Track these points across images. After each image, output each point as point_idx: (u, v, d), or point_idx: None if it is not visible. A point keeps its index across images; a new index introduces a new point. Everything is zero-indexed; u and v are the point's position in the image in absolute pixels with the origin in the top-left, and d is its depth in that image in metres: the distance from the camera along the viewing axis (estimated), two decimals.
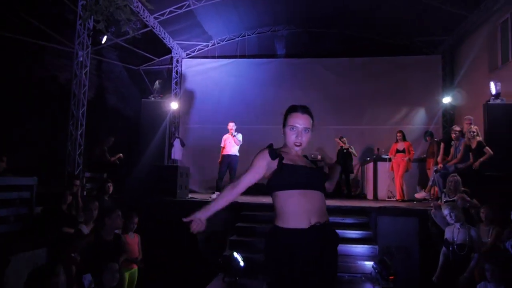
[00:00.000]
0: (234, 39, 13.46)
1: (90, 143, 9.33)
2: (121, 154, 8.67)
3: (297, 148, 2.55)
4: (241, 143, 9.16)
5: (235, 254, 5.36)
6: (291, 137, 2.54)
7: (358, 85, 12.52)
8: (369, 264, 5.73)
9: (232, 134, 9.09)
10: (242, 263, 5.31)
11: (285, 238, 2.37)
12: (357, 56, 12.71)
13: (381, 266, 5.28)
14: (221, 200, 2.57)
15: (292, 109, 2.62)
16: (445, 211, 5.26)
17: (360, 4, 11.29)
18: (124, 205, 5.35)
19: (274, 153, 2.49)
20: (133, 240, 5.17)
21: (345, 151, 10.88)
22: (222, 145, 9.31)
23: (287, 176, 2.43)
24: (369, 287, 5.30)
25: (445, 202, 6.30)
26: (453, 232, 5.18)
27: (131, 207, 5.48)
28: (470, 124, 7.68)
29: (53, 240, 5.12)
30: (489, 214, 5.55)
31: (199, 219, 2.44)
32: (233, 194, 2.54)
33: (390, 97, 12.35)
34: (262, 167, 2.49)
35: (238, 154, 9.23)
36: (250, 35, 13.41)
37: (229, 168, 9.18)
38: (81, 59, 7.48)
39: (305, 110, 2.61)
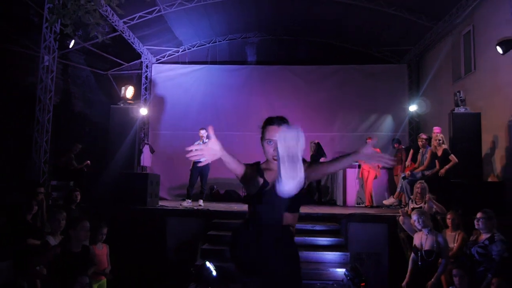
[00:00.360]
0: (205, 45, 13.40)
1: (56, 150, 9.05)
2: (88, 162, 8.44)
3: (275, 162, 2.49)
4: None
5: (208, 264, 5.29)
6: (270, 151, 2.51)
7: (328, 93, 12.70)
8: (340, 271, 5.78)
9: (203, 141, 9.00)
10: (214, 273, 5.25)
11: (253, 225, 2.46)
12: (327, 64, 12.89)
13: (353, 273, 5.33)
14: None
15: (269, 122, 2.57)
16: (414, 217, 5.38)
17: (330, 14, 11.48)
18: (92, 215, 5.19)
19: (260, 171, 2.49)
20: (102, 251, 5.03)
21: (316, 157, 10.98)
22: None
23: (262, 199, 2.44)
24: None
25: (412, 208, 6.45)
26: (421, 239, 5.30)
27: (100, 216, 5.32)
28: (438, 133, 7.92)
29: (17, 252, 4.90)
30: (455, 220, 5.71)
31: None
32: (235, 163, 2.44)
33: (359, 105, 12.57)
34: (245, 169, 2.45)
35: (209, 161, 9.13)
36: (221, 41, 13.39)
37: (201, 175, 9.09)
38: (47, 63, 7.24)
39: (281, 121, 2.55)
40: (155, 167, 12.01)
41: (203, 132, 9.09)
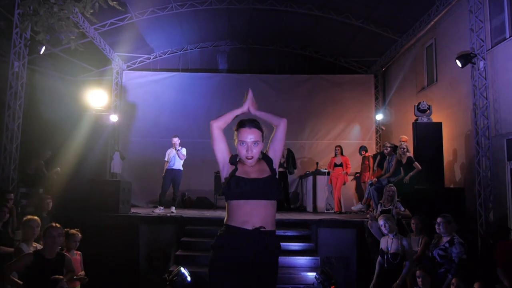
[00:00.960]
0: (176, 52, 13.47)
1: (23, 157, 8.89)
2: (58, 169, 8.34)
3: (249, 162, 2.64)
4: (185, 157, 9.15)
5: (182, 269, 5.37)
6: (242, 152, 2.64)
7: (298, 101, 12.99)
8: (311, 275, 5.96)
9: (176, 149, 9.05)
10: (189, 278, 5.33)
11: (231, 231, 2.52)
12: (297, 73, 13.20)
13: (323, 276, 5.53)
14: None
15: (240, 125, 2.70)
16: (380, 222, 5.63)
17: (300, 25, 11.81)
18: (64, 222, 5.16)
19: (235, 160, 2.65)
20: (75, 258, 5.01)
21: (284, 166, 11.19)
22: (166, 159, 9.24)
23: (234, 187, 2.54)
24: None
25: (381, 211, 6.75)
26: (387, 242, 5.56)
27: (72, 224, 5.31)
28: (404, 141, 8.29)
29: None
30: (418, 225, 6.00)
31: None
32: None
33: (328, 113, 12.93)
34: (221, 154, 2.69)
35: (182, 168, 9.21)
36: (192, 49, 13.49)
37: (173, 182, 9.12)
38: (17, 69, 7.16)
39: (252, 124, 2.69)
40: (126, 174, 11.94)
41: (175, 140, 9.14)
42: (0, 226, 5.36)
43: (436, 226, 5.31)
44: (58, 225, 4.34)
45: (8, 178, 7.08)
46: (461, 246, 4.99)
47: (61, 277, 3.80)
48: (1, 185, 6.88)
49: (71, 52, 11.98)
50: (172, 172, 9.03)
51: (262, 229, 2.50)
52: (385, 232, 5.58)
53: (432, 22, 9.73)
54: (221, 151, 2.69)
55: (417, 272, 4.71)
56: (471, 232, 7.30)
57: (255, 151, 2.63)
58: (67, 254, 4.67)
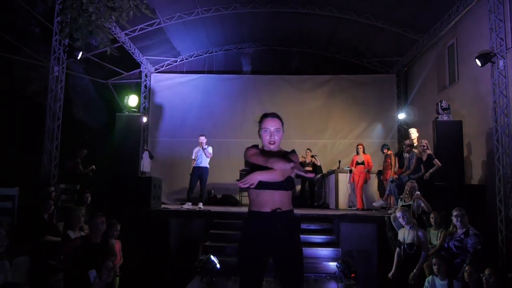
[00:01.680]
0: (202, 55, 13.93)
1: (61, 155, 9.49)
2: (93, 166, 8.87)
3: (272, 147, 3.02)
4: (211, 155, 9.57)
5: (212, 257, 5.77)
6: (266, 138, 3.02)
7: (320, 101, 13.28)
8: (333, 264, 6.29)
9: (203, 147, 9.47)
10: (218, 265, 5.73)
11: (253, 216, 2.94)
12: (319, 74, 13.48)
13: (344, 265, 5.84)
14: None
15: (264, 116, 3.10)
16: (398, 214, 5.90)
17: (322, 26, 12.07)
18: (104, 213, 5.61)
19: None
20: (116, 246, 5.48)
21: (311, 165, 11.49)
22: (193, 157, 9.68)
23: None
24: (333, 285, 5.86)
25: (401, 206, 7.00)
26: (404, 234, 5.83)
27: (112, 214, 5.77)
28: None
29: (35, 248, 5.32)
30: (437, 219, 6.23)
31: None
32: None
33: (350, 113, 13.16)
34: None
35: (208, 166, 9.62)
36: (217, 51, 13.93)
37: (200, 180, 9.53)
38: (56, 74, 7.71)
39: (274, 114, 3.09)
40: (154, 172, 12.44)
41: (202, 139, 9.56)
42: (46, 217, 5.84)
43: (454, 218, 5.55)
44: (101, 214, 4.81)
45: (50, 175, 7.63)
46: (476, 237, 5.22)
47: (110, 259, 4.25)
48: (43, 181, 7.42)
49: (102, 56, 12.70)
50: (199, 170, 9.45)
51: (278, 210, 2.89)
52: (403, 223, 5.84)
53: (453, 22, 9.85)
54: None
55: (434, 260, 4.97)
56: (492, 227, 7.46)
57: (277, 138, 3.02)
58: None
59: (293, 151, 3.15)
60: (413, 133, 9.43)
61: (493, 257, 6.61)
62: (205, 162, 9.50)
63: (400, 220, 5.80)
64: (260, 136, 3.09)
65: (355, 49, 13.33)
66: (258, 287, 2.92)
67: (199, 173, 9.45)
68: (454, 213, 5.55)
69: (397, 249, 5.91)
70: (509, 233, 7.18)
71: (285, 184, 2.94)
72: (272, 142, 3.00)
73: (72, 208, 5.04)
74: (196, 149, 9.66)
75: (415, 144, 8.95)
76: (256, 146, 3.09)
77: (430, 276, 4.99)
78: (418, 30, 10.99)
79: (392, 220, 6.89)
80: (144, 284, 6.43)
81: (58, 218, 6.50)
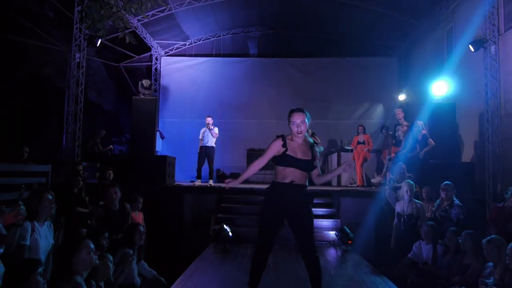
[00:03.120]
0: (210, 39, 14.44)
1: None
2: (111, 146, 9.54)
3: (299, 135, 3.76)
4: (217, 135, 10.16)
5: (225, 226, 6.48)
6: (294, 128, 3.76)
7: (324, 83, 13.82)
8: (332, 233, 6.99)
9: (209, 128, 10.06)
10: (230, 234, 6.43)
11: (276, 185, 3.77)
12: (323, 57, 13.98)
13: (342, 233, 6.53)
14: (251, 170, 3.91)
15: (291, 111, 3.86)
16: (405, 187, 6.40)
17: (325, 10, 12.52)
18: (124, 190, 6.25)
19: (285, 143, 3.77)
20: (138, 217, 6.17)
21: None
22: (200, 137, 10.28)
23: (284, 160, 3.74)
24: (332, 251, 6.57)
25: (393, 187, 7.61)
26: (403, 206, 6.39)
27: (135, 189, 6.46)
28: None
29: (69, 218, 6.03)
30: (429, 194, 6.85)
31: (233, 182, 3.83)
32: (259, 165, 3.85)
33: (352, 94, 13.70)
34: (275, 149, 3.79)
35: (215, 145, 10.23)
36: (224, 35, 14.43)
37: (208, 158, 10.15)
38: (78, 60, 8.31)
39: (299, 109, 3.83)
40: (165, 152, 13.12)
41: (209, 120, 10.17)
42: (76, 191, 6.54)
43: (441, 192, 6.18)
44: (114, 184, 5.52)
45: (73, 154, 8.31)
46: (459, 208, 5.88)
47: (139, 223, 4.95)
48: (68, 160, 8.11)
49: (113, 39, 13.23)
50: (207, 149, 10.06)
51: (294, 182, 3.68)
52: (406, 197, 6.35)
53: (451, 7, 10.30)
54: (274, 154, 3.82)
55: (423, 226, 5.61)
56: (480, 202, 8.10)
57: (303, 128, 3.77)
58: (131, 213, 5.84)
59: (314, 148, 3.89)
60: (399, 113, 9.96)
61: (480, 228, 7.25)
62: (211, 142, 10.09)
63: (404, 193, 6.32)
64: (290, 128, 3.81)
65: (358, 33, 13.77)
66: (272, 241, 3.75)
67: (206, 152, 10.05)
68: (442, 186, 6.19)
69: (395, 220, 6.46)
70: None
71: (307, 167, 3.78)
72: (299, 132, 3.74)
73: (108, 184, 5.70)
74: (203, 130, 10.25)
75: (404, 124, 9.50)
76: (282, 137, 3.82)
77: (418, 241, 5.64)
78: (418, 15, 11.42)
79: (387, 195, 7.51)
80: (164, 252, 7.13)
81: (86, 192, 7.20)
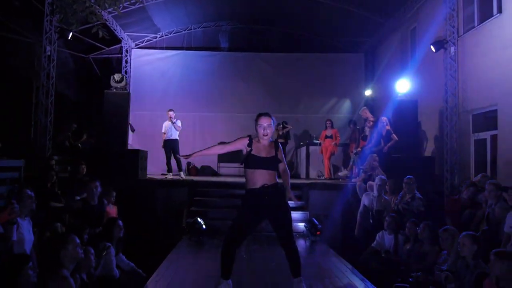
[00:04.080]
0: (181, 32, 14.46)
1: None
2: (85, 136, 9.49)
3: (265, 137, 3.98)
4: (181, 128, 10.23)
5: (199, 219, 6.68)
6: (261, 131, 3.98)
7: (294, 78, 14.13)
8: (301, 225, 7.31)
9: (172, 121, 10.15)
10: (204, 226, 6.65)
11: (247, 193, 3.98)
12: (293, 52, 14.28)
13: (310, 224, 6.86)
14: (208, 151, 4.21)
15: (258, 115, 4.06)
16: (377, 181, 6.76)
17: (296, 7, 12.78)
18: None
19: (250, 143, 3.98)
20: (112, 210, 6.27)
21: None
22: (163, 131, 10.34)
23: (250, 161, 3.95)
24: (302, 241, 6.89)
25: (364, 177, 8.03)
26: (371, 200, 6.73)
27: (107, 183, 6.55)
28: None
29: (43, 213, 6.07)
30: (392, 186, 7.26)
31: (189, 156, 3.97)
32: (218, 151, 4.30)
33: (322, 89, 14.08)
34: (239, 145, 4.03)
35: (178, 138, 10.28)
36: (196, 29, 14.49)
37: (173, 151, 10.18)
38: (49, 53, 8.24)
39: (266, 113, 4.06)
40: (136, 145, 13.11)
41: (171, 113, 10.25)
42: (49, 186, 6.58)
43: (404, 185, 6.59)
44: (96, 179, 5.62)
45: (45, 148, 8.28)
46: (420, 200, 6.31)
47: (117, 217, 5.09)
48: (40, 154, 8.07)
49: (82, 30, 13.05)
50: (171, 143, 10.12)
51: (265, 185, 3.89)
52: (375, 190, 6.70)
53: (415, 8, 10.76)
54: (238, 148, 4.06)
55: (386, 217, 6.00)
56: (440, 194, 8.61)
57: (269, 131, 4.00)
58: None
59: (277, 145, 4.11)
60: (365, 113, 10.43)
61: (439, 219, 7.73)
62: (175, 135, 10.15)
63: (374, 186, 6.69)
64: (256, 130, 4.02)
65: (327, 30, 14.12)
66: (243, 239, 4.05)
67: (170, 145, 10.13)
68: (405, 180, 6.60)
69: (360, 209, 6.83)
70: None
71: (272, 165, 3.99)
72: (265, 134, 3.97)
73: (91, 179, 5.77)
74: (165, 123, 10.32)
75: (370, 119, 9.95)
76: (249, 137, 4.05)
77: (381, 231, 6.02)
78: (385, 14, 11.85)
79: (357, 188, 7.91)
80: (138, 245, 7.25)
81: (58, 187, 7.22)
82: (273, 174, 3.99)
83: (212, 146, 4.29)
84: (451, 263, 4.27)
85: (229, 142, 4.17)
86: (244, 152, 4.01)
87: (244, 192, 4.05)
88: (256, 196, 3.88)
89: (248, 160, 3.93)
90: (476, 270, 3.82)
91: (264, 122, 3.98)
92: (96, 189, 5.51)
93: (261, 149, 3.98)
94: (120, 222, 4.77)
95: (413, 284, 4.51)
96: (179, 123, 10.14)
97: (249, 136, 4.06)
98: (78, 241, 3.22)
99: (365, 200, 6.99)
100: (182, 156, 4.05)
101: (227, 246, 3.92)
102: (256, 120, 4.04)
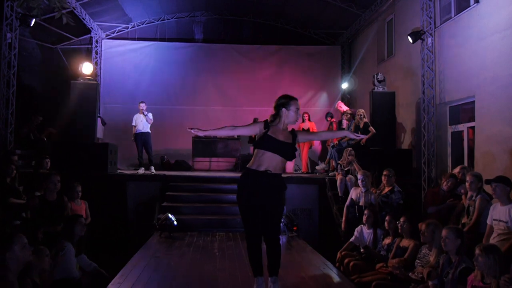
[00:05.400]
0: (154, 22, 13.98)
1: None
2: (51, 129, 9.01)
3: (294, 123, 3.91)
4: (152, 121, 9.85)
5: (170, 215, 6.36)
6: (294, 116, 3.87)
7: (270, 70, 13.86)
8: None
9: (144, 114, 9.77)
10: (175, 222, 6.34)
11: (249, 172, 3.72)
12: (269, 44, 14.00)
13: (287, 220, 6.63)
14: (218, 131, 4.03)
15: (291, 98, 3.94)
16: (360, 176, 6.56)
17: None
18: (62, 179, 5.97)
19: (267, 125, 3.77)
20: (80, 207, 5.89)
21: None
22: (133, 124, 9.93)
23: (265, 141, 3.70)
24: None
25: (345, 170, 7.85)
26: (358, 195, 6.53)
27: (71, 177, 6.16)
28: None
29: (2, 209, 5.66)
30: (370, 179, 7.09)
31: (199, 131, 3.76)
32: (228, 132, 4.03)
33: (298, 82, 13.84)
34: (256, 129, 3.83)
35: (150, 131, 9.91)
36: (169, 19, 14.03)
37: (144, 145, 9.82)
38: (9, 40, 7.74)
39: (296, 98, 3.96)
40: (107, 139, 12.61)
41: (142, 105, 9.87)
42: (8, 181, 6.14)
43: (383, 178, 6.42)
44: (56, 173, 5.24)
45: (6, 141, 7.78)
46: (399, 193, 6.15)
47: (81, 214, 4.73)
48: (1, 147, 7.59)
49: (49, 20, 12.45)
50: (142, 136, 9.73)
51: (268, 172, 3.64)
52: (361, 185, 6.49)
53: (391, 0, 10.61)
54: (253, 132, 3.91)
55: (365, 212, 5.82)
56: (417, 187, 8.53)
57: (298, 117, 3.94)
58: (70, 203, 5.58)
59: (295, 135, 3.91)
60: (341, 106, 10.32)
61: (417, 211, 7.63)
62: (146, 127, 9.76)
63: (360, 182, 6.48)
64: (280, 113, 3.85)
65: (304, 21, 13.91)
66: (258, 223, 3.70)
67: (142, 139, 9.74)
68: (384, 172, 6.43)
69: (348, 203, 6.62)
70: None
71: (288, 153, 3.77)
72: (297, 120, 3.93)
73: (50, 173, 5.39)
74: (136, 116, 9.91)
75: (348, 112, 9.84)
76: (265, 121, 3.85)
77: (359, 226, 5.84)
78: (361, 5, 11.69)
79: (338, 183, 7.73)
80: (106, 242, 6.91)
81: (20, 182, 6.77)
82: (282, 162, 3.77)
83: (223, 127, 3.99)
84: (433, 257, 4.10)
85: (241, 126, 3.98)
86: (258, 133, 3.78)
87: (243, 172, 3.82)
88: (255, 175, 3.65)
89: (263, 141, 3.69)
90: (460, 266, 3.65)
91: (298, 106, 3.88)
92: (55, 184, 5.12)
93: (279, 132, 3.76)
94: (83, 220, 4.41)
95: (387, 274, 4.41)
96: (150, 115, 9.75)
97: (265, 120, 3.84)
98: (25, 240, 2.87)
99: (352, 194, 6.79)
100: (193, 129, 3.75)
101: (248, 240, 3.73)
102: (286, 103, 3.86)
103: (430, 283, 3.78)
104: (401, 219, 4.96)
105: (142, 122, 9.72)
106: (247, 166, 3.77)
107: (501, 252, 3.30)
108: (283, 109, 3.83)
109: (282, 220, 6.78)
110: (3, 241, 2.83)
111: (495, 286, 3.12)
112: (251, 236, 3.72)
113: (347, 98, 13.90)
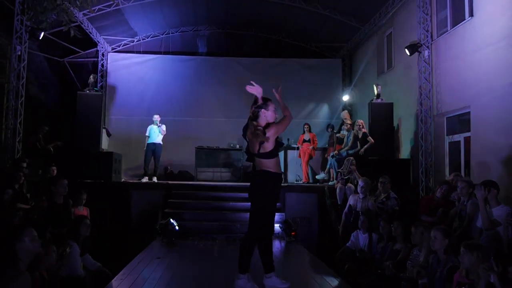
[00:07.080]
0: (158, 36, 14.34)
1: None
2: (58, 142, 9.29)
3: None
4: (165, 133, 10.22)
5: (171, 220, 6.54)
6: (274, 116, 4.39)
7: (272, 83, 13.74)
8: (277, 226, 7.22)
9: (157, 125, 10.12)
10: (177, 227, 6.51)
11: (276, 177, 4.13)
12: (271, 57, 14.29)
13: (285, 225, 6.79)
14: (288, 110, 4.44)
15: (268, 100, 4.41)
16: (361, 183, 6.73)
17: (273, 12, 12.84)
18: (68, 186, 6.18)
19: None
20: (83, 212, 6.10)
21: None
22: (147, 134, 10.30)
23: (279, 145, 4.33)
24: (277, 242, 6.80)
25: (342, 179, 8.01)
26: (357, 201, 6.70)
27: (77, 184, 6.38)
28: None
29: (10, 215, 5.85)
30: (369, 188, 7.25)
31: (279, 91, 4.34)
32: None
33: (299, 94, 14.05)
34: None
35: (161, 142, 10.28)
36: (173, 33, 14.38)
37: (154, 155, 10.18)
38: (19, 53, 8.04)
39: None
40: (111, 150, 12.85)
41: (156, 117, 10.29)
42: (17, 188, 6.35)
43: (379, 185, 6.60)
44: (63, 178, 5.47)
45: (14, 149, 8.03)
46: (395, 200, 6.32)
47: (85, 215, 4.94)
48: (9, 155, 7.82)
49: (57, 33, 12.81)
50: (153, 146, 10.12)
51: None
52: (360, 192, 6.66)
53: (390, 14, 10.88)
54: None
55: (360, 217, 5.98)
56: (415, 195, 8.66)
57: None
58: (74, 209, 5.81)
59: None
60: (346, 114, 10.53)
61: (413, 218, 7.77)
62: (158, 138, 10.19)
63: (359, 188, 6.65)
64: (267, 116, 4.27)
65: (305, 35, 14.21)
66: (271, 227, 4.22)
67: (153, 149, 10.11)
68: (380, 180, 6.60)
69: (346, 210, 6.78)
70: None
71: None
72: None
73: (58, 177, 5.63)
74: (150, 127, 10.29)
75: (348, 123, 10.04)
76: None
77: (355, 231, 6.00)
78: (360, 19, 11.98)
79: (337, 191, 7.89)
80: (109, 247, 7.07)
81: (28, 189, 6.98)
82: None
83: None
84: (423, 258, 4.25)
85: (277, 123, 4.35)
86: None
87: (272, 178, 4.04)
88: (279, 181, 4.13)
89: (279, 146, 4.23)
90: (448, 265, 3.80)
91: (275, 106, 4.35)
92: (63, 188, 5.36)
93: None
94: (88, 221, 4.61)
95: (381, 276, 4.51)
96: (164, 127, 10.23)
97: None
98: (35, 233, 3.07)
99: (351, 200, 6.95)
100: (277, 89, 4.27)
101: (255, 242, 4.00)
102: (267, 105, 4.27)
103: (419, 281, 3.93)
104: (395, 223, 5.12)
105: (156, 133, 10.08)
106: (270, 170, 4.05)
107: (484, 249, 3.46)
108: (262, 109, 4.16)
109: (281, 226, 6.99)
110: (14, 233, 3.02)
111: (479, 281, 3.27)
112: (261, 237, 4.01)
113: (348, 110, 14.08)
